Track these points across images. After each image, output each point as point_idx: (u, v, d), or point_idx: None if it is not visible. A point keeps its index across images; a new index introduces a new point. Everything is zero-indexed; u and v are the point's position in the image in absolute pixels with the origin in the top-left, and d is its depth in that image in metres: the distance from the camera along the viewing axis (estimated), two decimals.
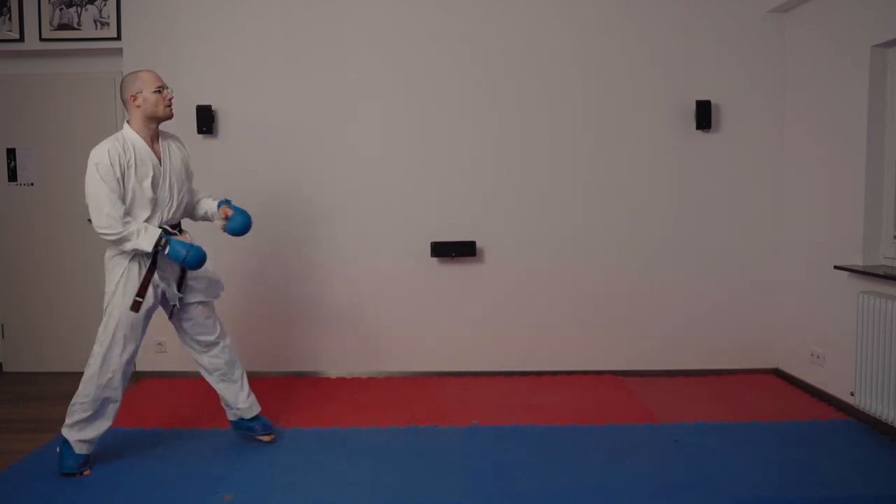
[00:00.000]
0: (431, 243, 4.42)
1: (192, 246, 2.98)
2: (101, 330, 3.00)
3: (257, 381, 4.36)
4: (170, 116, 3.06)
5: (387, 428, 3.57)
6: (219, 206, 3.23)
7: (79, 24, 4.48)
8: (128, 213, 2.93)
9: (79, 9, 4.47)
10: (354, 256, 4.48)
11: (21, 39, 4.51)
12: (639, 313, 4.48)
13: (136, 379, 4.53)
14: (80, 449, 3.03)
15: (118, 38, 4.45)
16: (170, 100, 3.05)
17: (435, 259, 4.46)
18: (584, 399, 4.01)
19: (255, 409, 3.37)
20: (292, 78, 4.41)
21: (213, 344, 3.27)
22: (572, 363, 4.49)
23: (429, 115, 4.43)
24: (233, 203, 3.24)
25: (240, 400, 3.32)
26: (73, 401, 3.03)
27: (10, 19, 4.49)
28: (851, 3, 3.71)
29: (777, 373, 4.45)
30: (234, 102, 4.42)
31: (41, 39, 4.50)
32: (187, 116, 4.37)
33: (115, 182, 2.89)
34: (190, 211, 3.31)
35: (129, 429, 3.56)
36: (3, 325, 4.77)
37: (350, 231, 4.49)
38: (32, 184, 4.68)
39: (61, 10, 4.48)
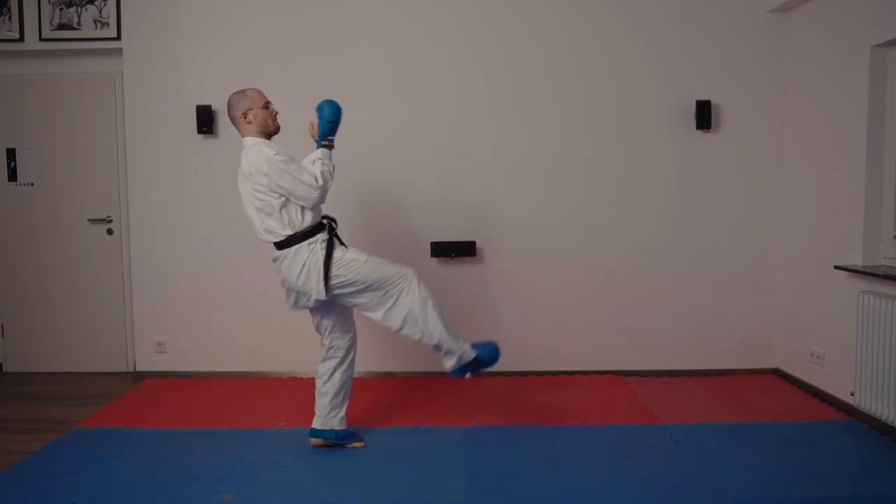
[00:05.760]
0: (431, 243, 4.42)
1: (320, 106, 3.09)
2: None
3: (257, 382, 4.40)
4: (278, 130, 3.15)
5: (388, 428, 3.57)
6: (318, 145, 3.18)
7: (79, 24, 4.48)
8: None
9: (79, 9, 4.47)
10: None
11: (21, 39, 4.51)
12: (639, 313, 4.48)
13: (136, 379, 4.54)
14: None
15: (118, 38, 4.45)
16: (275, 114, 3.14)
17: (435, 259, 4.46)
18: (585, 399, 4.01)
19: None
20: (292, 77, 4.40)
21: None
22: (573, 363, 4.49)
23: (429, 114, 4.43)
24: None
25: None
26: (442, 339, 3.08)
27: (10, 19, 4.49)
28: (851, 3, 3.71)
29: (777, 373, 4.46)
30: None
31: (41, 39, 4.50)
32: (187, 116, 4.40)
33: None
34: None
35: (129, 428, 3.57)
36: (3, 325, 4.77)
37: (349, 231, 4.48)
38: (32, 184, 4.68)
39: (61, 10, 4.48)
